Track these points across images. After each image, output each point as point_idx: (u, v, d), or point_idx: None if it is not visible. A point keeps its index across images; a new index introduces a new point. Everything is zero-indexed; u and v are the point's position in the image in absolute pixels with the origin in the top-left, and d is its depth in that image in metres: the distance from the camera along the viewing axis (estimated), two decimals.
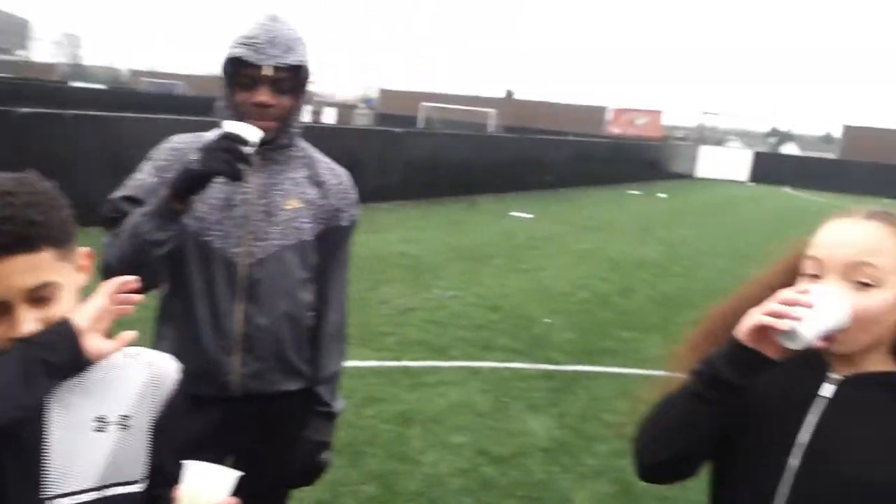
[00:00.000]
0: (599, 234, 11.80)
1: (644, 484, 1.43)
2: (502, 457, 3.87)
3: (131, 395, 1.18)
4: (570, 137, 21.61)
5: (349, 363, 4.98)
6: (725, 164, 29.97)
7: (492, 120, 34.21)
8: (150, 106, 25.47)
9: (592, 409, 4.59)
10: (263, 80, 1.77)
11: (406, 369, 4.97)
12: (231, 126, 1.69)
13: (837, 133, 32.21)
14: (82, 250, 1.13)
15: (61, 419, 1.13)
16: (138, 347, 1.23)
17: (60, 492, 1.11)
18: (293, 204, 1.88)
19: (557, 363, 5.38)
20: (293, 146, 1.92)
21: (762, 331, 1.08)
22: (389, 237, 9.67)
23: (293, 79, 1.81)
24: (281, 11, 1.91)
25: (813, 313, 1.06)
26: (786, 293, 1.09)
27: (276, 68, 1.75)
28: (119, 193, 1.86)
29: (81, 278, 1.13)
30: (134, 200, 1.80)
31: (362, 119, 22.99)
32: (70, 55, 77.16)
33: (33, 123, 8.10)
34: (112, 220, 1.79)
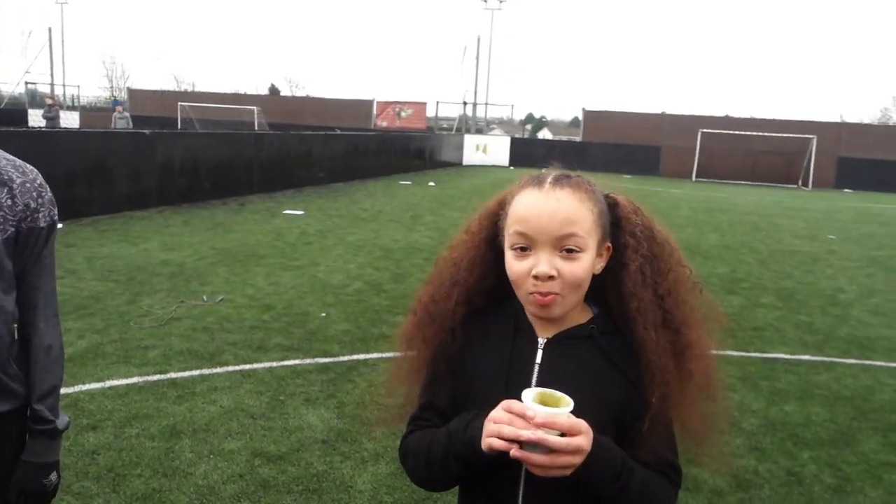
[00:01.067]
0: (372, 225, 11.99)
1: None
2: (279, 454, 3.80)
3: None
4: (338, 132, 21.61)
5: (109, 383, 4.66)
6: (489, 150, 31.89)
7: (257, 118, 33.24)
8: None
9: (370, 395, 4.66)
10: None
11: (172, 381, 4.69)
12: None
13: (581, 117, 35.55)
14: None
15: None
16: None
17: None
18: None
19: (334, 355, 5.39)
20: None
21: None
22: (148, 246, 9.04)
23: None
24: None
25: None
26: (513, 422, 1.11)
27: None
28: None
29: None
30: None
31: (122, 122, 21.06)
32: None
33: None
34: None
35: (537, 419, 1.08)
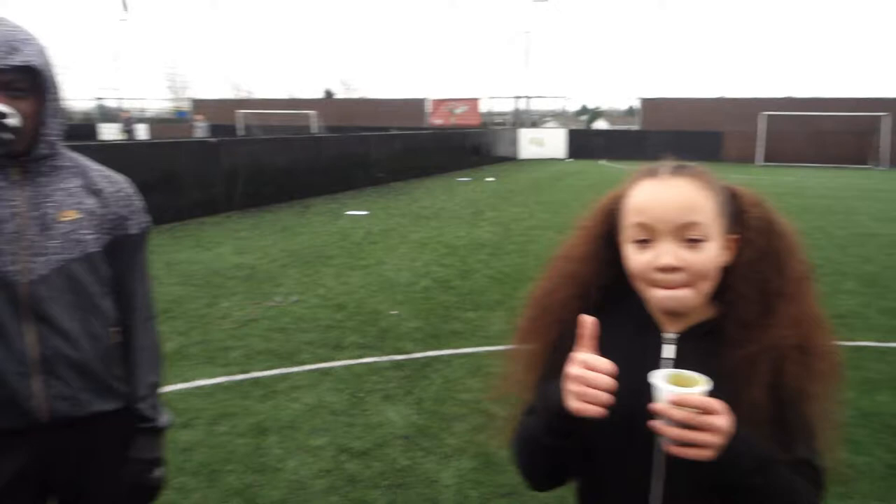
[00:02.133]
0: (434, 223, 12.05)
1: (505, 454, 1.49)
2: (363, 450, 3.86)
3: None
4: (394, 132, 21.80)
5: (196, 383, 4.80)
6: (545, 143, 31.67)
7: (313, 121, 33.79)
8: None
9: (447, 390, 4.70)
10: None
11: (256, 380, 4.82)
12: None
13: (638, 106, 34.90)
14: None
15: None
16: None
17: None
18: (70, 215, 1.77)
19: (408, 352, 5.44)
20: (56, 156, 1.79)
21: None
22: (221, 250, 9.30)
23: (26, 81, 1.67)
24: (9, 14, 1.78)
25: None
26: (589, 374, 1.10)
27: (2, 70, 1.62)
28: None
29: None
30: None
31: (200, 132, 21.87)
32: None
33: None
34: None
35: (668, 398, 1.06)
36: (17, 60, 1.62)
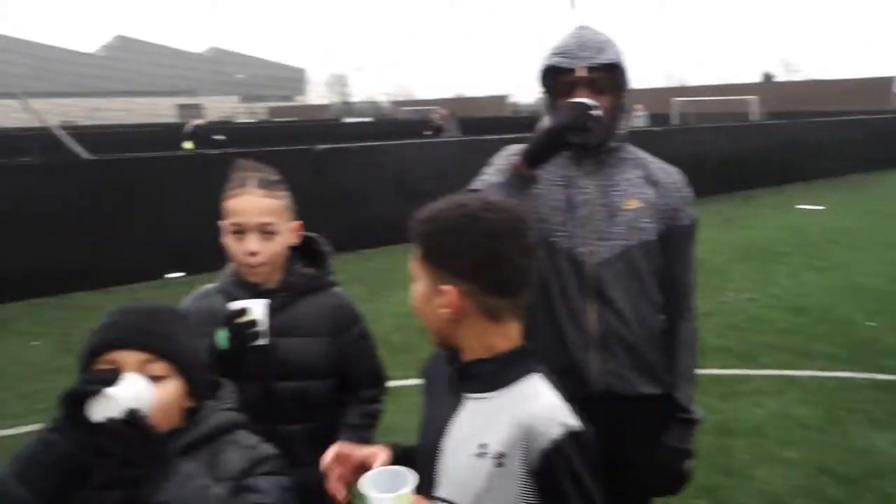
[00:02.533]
0: None
1: None
2: (850, 477, 3.44)
3: (505, 435, 1.19)
4: (855, 117, 19.12)
5: None
6: None
7: (753, 107, 31.64)
8: (411, 132, 27.45)
9: None
10: (580, 83, 1.78)
11: (716, 377, 4.68)
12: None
13: None
14: (449, 289, 1.23)
15: (455, 431, 1.25)
16: (540, 387, 1.24)
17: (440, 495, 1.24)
18: (633, 204, 1.86)
19: (894, 372, 4.71)
20: (621, 148, 1.91)
21: None
22: None
23: (609, 79, 1.80)
24: (588, 21, 1.90)
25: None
26: None
27: (591, 69, 1.76)
28: (468, 187, 1.97)
29: (439, 305, 1.26)
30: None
31: (638, 121, 22.59)
32: (339, 94, 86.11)
33: (328, 156, 9.07)
34: None
35: None
36: (604, 58, 1.77)
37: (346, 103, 72.39)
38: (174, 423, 1.25)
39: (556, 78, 1.85)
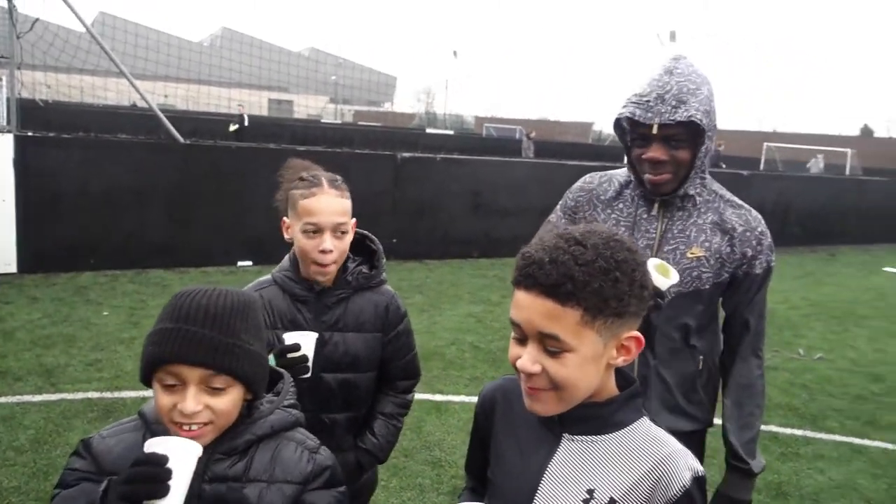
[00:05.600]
0: None
1: None
2: None
3: (626, 481, 1.12)
4: None
5: (716, 421, 4.68)
6: None
7: (849, 160, 30.37)
8: (493, 148, 27.51)
9: None
10: (654, 137, 1.75)
11: (774, 435, 4.50)
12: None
13: None
14: (634, 334, 1.10)
15: (555, 474, 1.16)
16: (659, 430, 1.17)
17: None
18: (696, 252, 1.84)
19: None
20: (697, 191, 1.87)
21: None
22: None
23: (687, 132, 1.75)
24: (685, 57, 1.85)
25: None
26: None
27: (665, 125, 1.72)
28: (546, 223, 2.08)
29: (613, 355, 1.11)
30: None
31: (815, 168, 22.72)
32: (425, 105, 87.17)
33: (411, 165, 9.19)
34: None
35: None
36: (680, 115, 1.73)
37: (431, 114, 73.18)
38: (233, 420, 1.26)
39: (631, 125, 1.83)
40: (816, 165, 24.45)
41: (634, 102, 1.79)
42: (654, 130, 1.75)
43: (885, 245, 14.09)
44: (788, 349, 6.40)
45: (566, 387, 1.09)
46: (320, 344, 1.83)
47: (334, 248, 1.81)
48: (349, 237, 1.88)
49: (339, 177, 1.90)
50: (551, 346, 1.06)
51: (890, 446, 4.47)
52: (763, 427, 4.56)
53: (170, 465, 1.09)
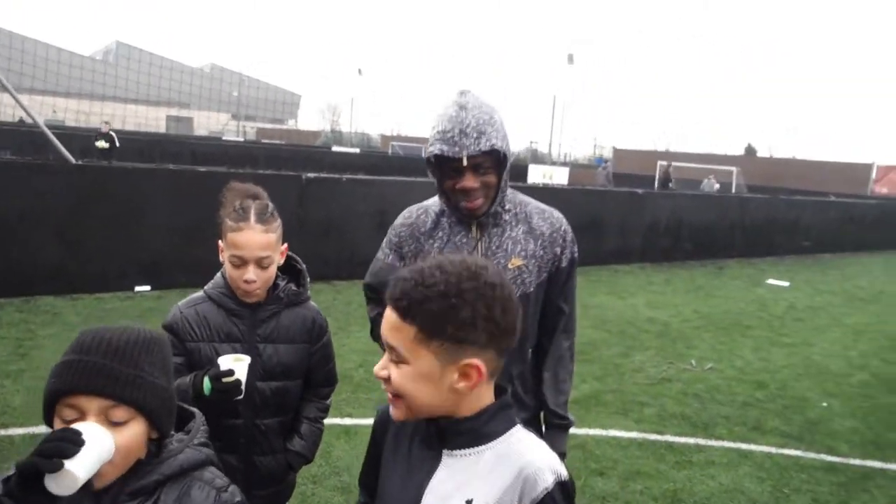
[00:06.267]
0: (873, 307, 10.50)
1: None
2: None
3: (496, 487, 1.19)
4: (832, 198, 19.62)
5: (611, 432, 4.90)
6: None
7: (735, 179, 32.29)
8: (399, 167, 27.61)
9: None
10: (464, 169, 1.93)
11: (669, 445, 4.73)
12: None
13: None
14: (474, 362, 1.16)
15: (436, 489, 1.22)
16: (529, 437, 1.25)
17: None
18: (516, 262, 2.04)
19: (842, 454, 4.80)
20: (504, 206, 2.07)
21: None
22: (634, 301, 9.41)
23: (491, 159, 1.95)
24: (469, 90, 2.00)
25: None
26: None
27: (472, 156, 1.90)
28: (365, 279, 2.24)
29: (455, 379, 1.17)
30: (374, 288, 2.17)
31: (707, 187, 23.64)
32: (330, 123, 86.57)
33: (317, 185, 9.13)
34: (369, 301, 2.21)
35: None
36: (483, 146, 1.91)
37: (336, 132, 72.74)
38: (137, 457, 1.24)
39: (440, 161, 1.97)
40: (710, 185, 25.90)
41: (440, 140, 1.94)
42: (465, 162, 1.91)
43: (767, 258, 15.07)
44: (681, 360, 6.75)
45: (405, 395, 1.20)
46: (256, 354, 2.03)
47: (257, 279, 1.99)
48: (275, 266, 2.05)
49: (269, 206, 2.02)
50: (393, 356, 1.19)
51: (773, 450, 4.79)
52: (658, 437, 4.83)
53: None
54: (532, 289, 2.04)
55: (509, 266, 2.01)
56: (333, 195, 9.29)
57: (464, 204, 1.98)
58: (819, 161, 37.01)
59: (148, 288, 7.68)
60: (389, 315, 1.18)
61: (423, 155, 2.10)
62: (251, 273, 1.97)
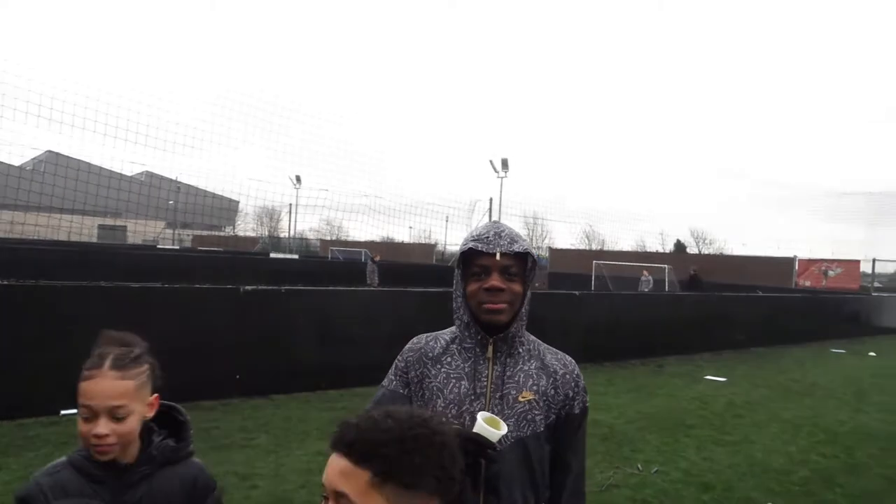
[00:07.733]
0: (808, 400, 10.77)
1: None
2: None
3: None
4: (760, 293, 20.43)
5: None
6: None
7: (667, 276, 33.40)
8: (339, 273, 27.55)
9: None
10: (494, 267, 1.94)
11: None
12: (479, 427, 1.75)
13: None
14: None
15: None
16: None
17: None
18: (527, 396, 1.96)
19: None
20: (522, 336, 2.04)
21: None
22: None
23: (520, 266, 1.98)
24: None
25: None
26: None
27: (505, 255, 1.93)
28: (368, 406, 2.08)
29: None
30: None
31: (645, 287, 24.28)
32: (268, 229, 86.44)
33: (254, 297, 9.01)
34: None
35: None
36: (517, 248, 1.97)
37: (275, 238, 72.60)
38: None
39: (472, 261, 1.99)
40: (647, 284, 26.90)
41: (474, 240, 1.98)
42: (498, 257, 1.94)
43: (704, 354, 15.41)
44: (628, 464, 6.72)
45: None
46: None
47: (110, 432, 1.77)
48: (135, 418, 1.82)
49: (134, 352, 1.85)
50: (343, 502, 1.16)
51: None
52: None
53: None
54: (542, 429, 1.95)
55: (520, 399, 1.94)
56: (272, 306, 9.18)
57: (487, 305, 1.95)
58: (748, 256, 38.68)
59: (76, 411, 7.29)
60: (338, 461, 1.17)
61: (451, 263, 2.10)
62: (102, 426, 1.75)
